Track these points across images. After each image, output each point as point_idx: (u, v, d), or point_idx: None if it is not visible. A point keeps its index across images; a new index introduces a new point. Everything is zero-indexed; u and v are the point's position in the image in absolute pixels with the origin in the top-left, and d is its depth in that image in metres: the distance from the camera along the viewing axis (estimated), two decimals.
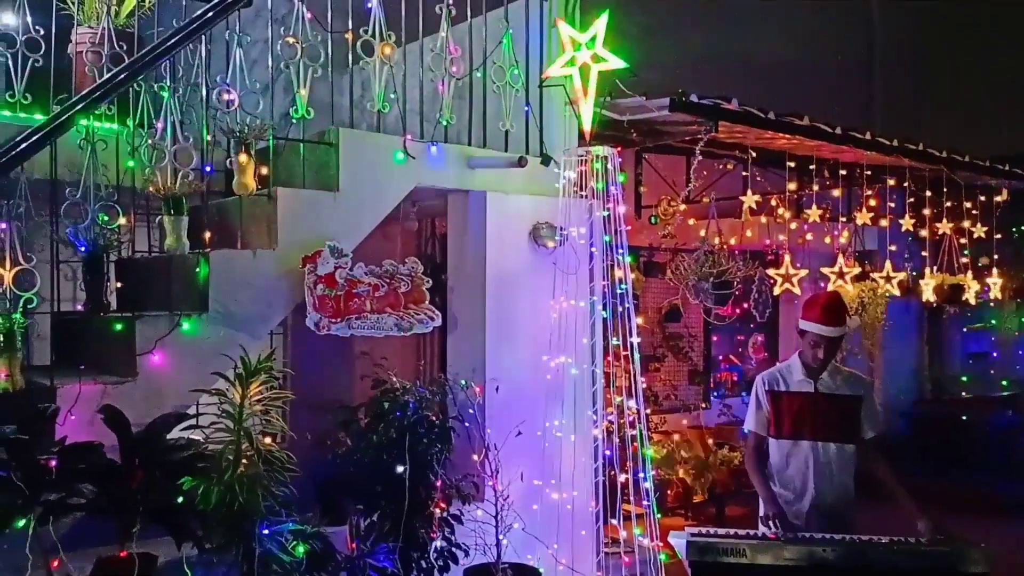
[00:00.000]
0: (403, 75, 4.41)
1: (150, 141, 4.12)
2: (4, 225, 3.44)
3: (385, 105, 4.31)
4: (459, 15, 4.65)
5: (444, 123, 4.53)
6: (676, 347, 8.40)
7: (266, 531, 3.16)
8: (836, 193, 7.64)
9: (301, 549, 3.25)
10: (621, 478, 4.65)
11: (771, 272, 7.01)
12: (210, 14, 3.74)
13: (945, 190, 7.61)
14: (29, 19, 4.01)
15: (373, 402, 4.12)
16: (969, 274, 7.88)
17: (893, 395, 9.46)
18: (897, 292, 7.46)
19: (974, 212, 7.94)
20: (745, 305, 7.34)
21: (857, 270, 7.10)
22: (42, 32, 4.02)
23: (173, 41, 3.68)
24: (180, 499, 3.04)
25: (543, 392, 4.75)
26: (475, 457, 4.32)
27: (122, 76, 3.62)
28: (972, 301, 7.97)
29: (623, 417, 4.72)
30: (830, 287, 6.85)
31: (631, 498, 4.72)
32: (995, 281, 8.10)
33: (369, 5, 4.26)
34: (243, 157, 3.86)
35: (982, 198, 8.10)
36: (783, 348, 9.04)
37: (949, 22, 10.58)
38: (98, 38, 4.24)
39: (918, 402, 10.04)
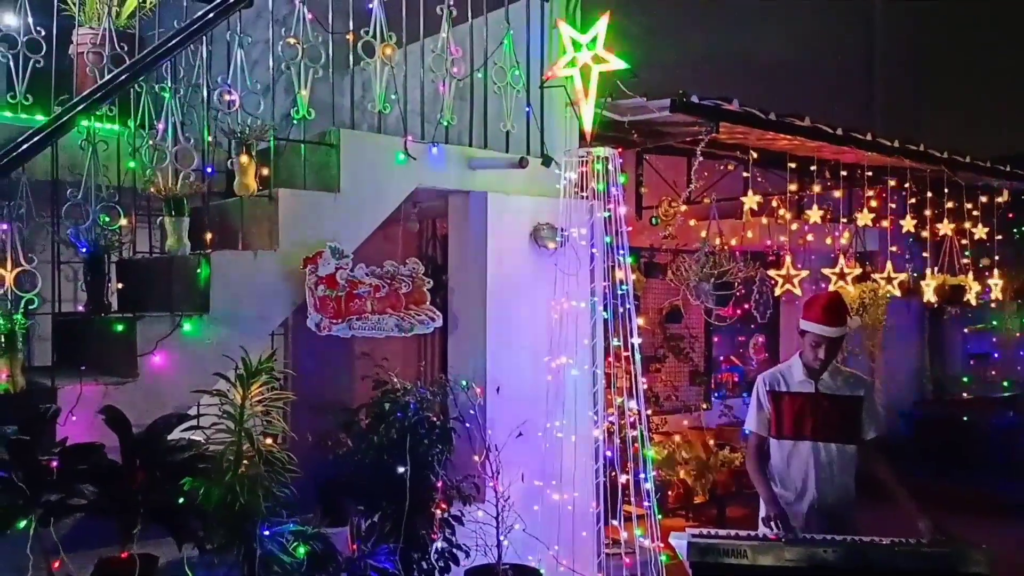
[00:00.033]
0: (404, 76, 4.41)
1: (151, 142, 4.13)
2: (5, 226, 3.44)
3: (386, 106, 4.31)
4: (460, 16, 4.65)
5: (445, 124, 4.53)
6: (677, 348, 8.40)
7: (267, 532, 3.16)
8: (837, 194, 7.64)
9: (302, 550, 3.25)
10: (622, 479, 4.65)
11: (772, 273, 7.01)
12: (211, 15, 3.74)
13: (946, 191, 7.61)
14: (30, 20, 4.01)
15: (374, 403, 4.12)
16: (970, 275, 7.87)
17: (894, 396, 9.46)
18: (898, 293, 7.46)
19: (975, 213, 7.93)
20: (746, 306, 7.33)
21: (858, 271, 7.10)
22: (43, 33, 4.02)
23: (174, 42, 3.69)
24: (181, 500, 3.04)
25: (544, 393, 4.75)
26: (476, 458, 4.32)
27: (123, 77, 3.63)
28: (973, 302, 7.97)
29: (624, 418, 4.72)
30: (831, 288, 6.84)
31: (632, 499, 4.72)
32: (996, 282, 8.09)
33: (370, 6, 4.26)
34: (244, 158, 3.86)
35: (983, 199, 8.10)
36: (784, 349, 9.04)
37: (949, 22, 10.58)
38: (99, 39, 4.24)
39: (919, 403, 10.04)
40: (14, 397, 3.19)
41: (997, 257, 8.31)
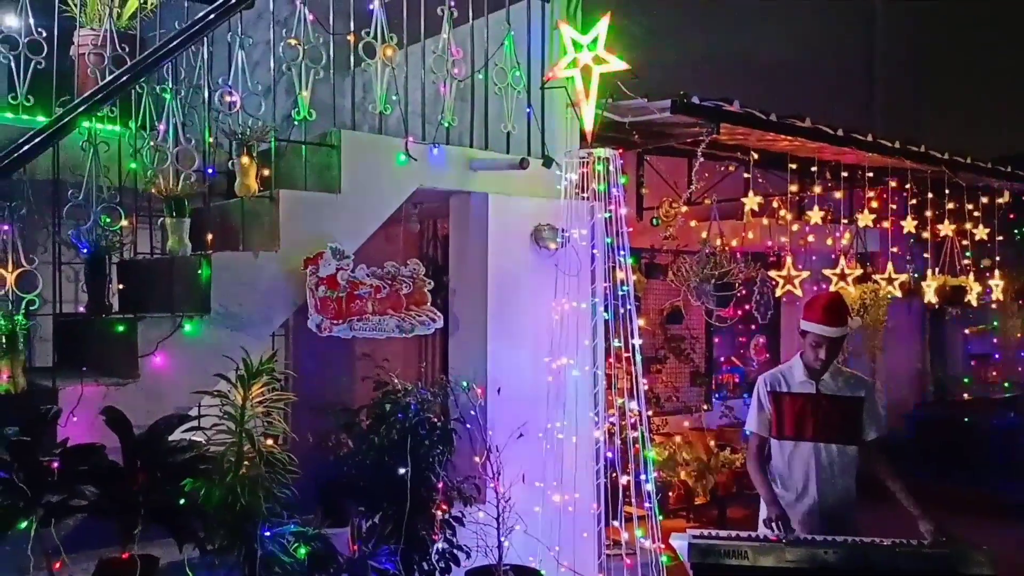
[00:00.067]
0: (405, 77, 4.41)
1: (152, 143, 4.13)
2: (6, 227, 3.44)
3: (387, 107, 4.31)
4: (461, 17, 4.65)
5: (446, 125, 4.53)
6: (678, 349, 8.40)
7: (268, 533, 3.16)
8: (838, 195, 7.64)
9: (303, 551, 3.25)
10: (623, 480, 4.65)
11: (773, 274, 7.01)
12: (212, 16, 3.74)
13: (947, 192, 7.61)
14: (31, 21, 4.01)
15: (375, 404, 4.12)
16: (971, 276, 7.87)
17: (895, 397, 9.45)
18: (899, 294, 7.46)
19: (976, 214, 7.93)
20: (747, 307, 7.33)
21: (859, 272, 7.10)
22: (44, 34, 4.02)
23: (175, 43, 3.69)
24: (182, 500, 3.04)
25: (545, 394, 4.75)
26: (477, 459, 4.32)
27: (124, 78, 3.63)
28: (974, 303, 7.97)
29: (624, 419, 4.71)
30: (832, 289, 6.84)
31: (633, 500, 4.72)
32: (997, 283, 8.09)
33: (371, 7, 4.26)
34: (245, 159, 3.87)
35: (984, 200, 8.10)
36: (785, 350, 9.04)
37: (950, 22, 10.58)
38: (100, 40, 4.24)
39: (920, 404, 10.04)
40: (15, 398, 3.20)
41: (998, 258, 8.31)
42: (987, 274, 8.15)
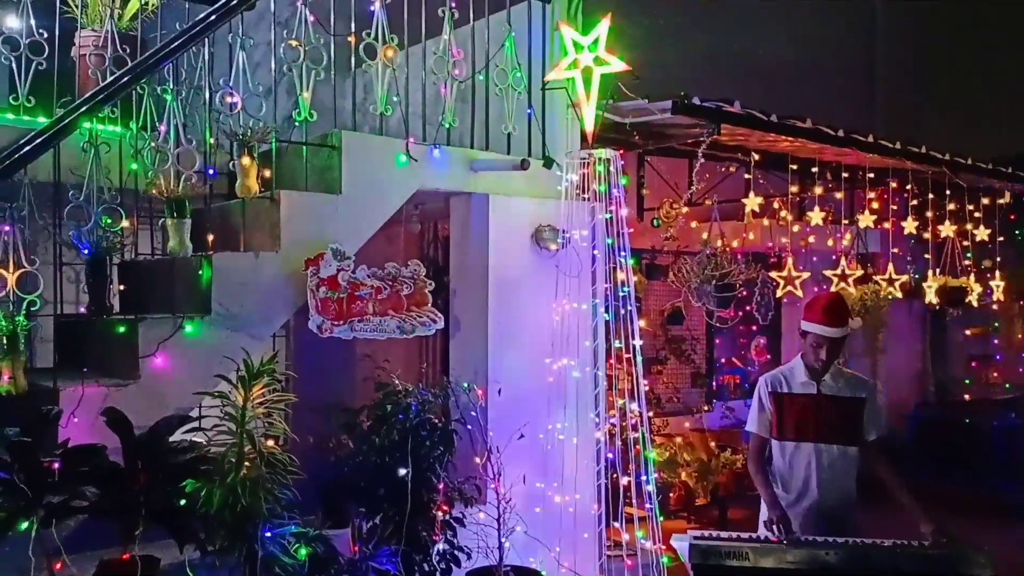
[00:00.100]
0: (406, 78, 4.41)
1: (153, 144, 4.13)
2: (7, 228, 3.44)
3: (388, 108, 4.32)
4: (461, 18, 4.66)
5: (446, 126, 4.54)
6: (678, 350, 8.40)
7: (268, 534, 3.16)
8: (838, 196, 7.64)
9: (303, 552, 3.25)
10: (623, 481, 4.65)
11: (773, 275, 7.01)
12: (213, 17, 3.74)
13: (947, 193, 7.61)
14: (33, 22, 4.01)
15: (375, 404, 4.12)
16: (972, 277, 7.87)
17: (896, 397, 9.45)
18: (899, 295, 7.46)
19: (977, 215, 7.93)
20: (747, 308, 7.33)
21: (859, 273, 7.10)
22: (45, 35, 4.02)
23: (176, 44, 3.69)
24: (182, 501, 3.04)
25: (545, 395, 4.75)
26: (477, 460, 4.32)
27: (125, 79, 3.63)
28: (975, 304, 7.97)
29: (625, 420, 4.71)
30: (832, 289, 6.84)
31: (633, 501, 4.72)
32: (998, 284, 8.09)
33: (372, 8, 4.26)
34: (246, 160, 3.87)
35: (985, 201, 8.10)
36: (786, 350, 9.04)
37: (951, 23, 10.58)
38: (101, 41, 4.24)
39: (921, 404, 10.03)
40: (16, 399, 3.20)
41: (999, 259, 8.31)
42: (988, 275, 8.15)
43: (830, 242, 7.92)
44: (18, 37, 3.99)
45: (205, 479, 3.07)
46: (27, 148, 3.31)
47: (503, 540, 4.24)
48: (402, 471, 3.90)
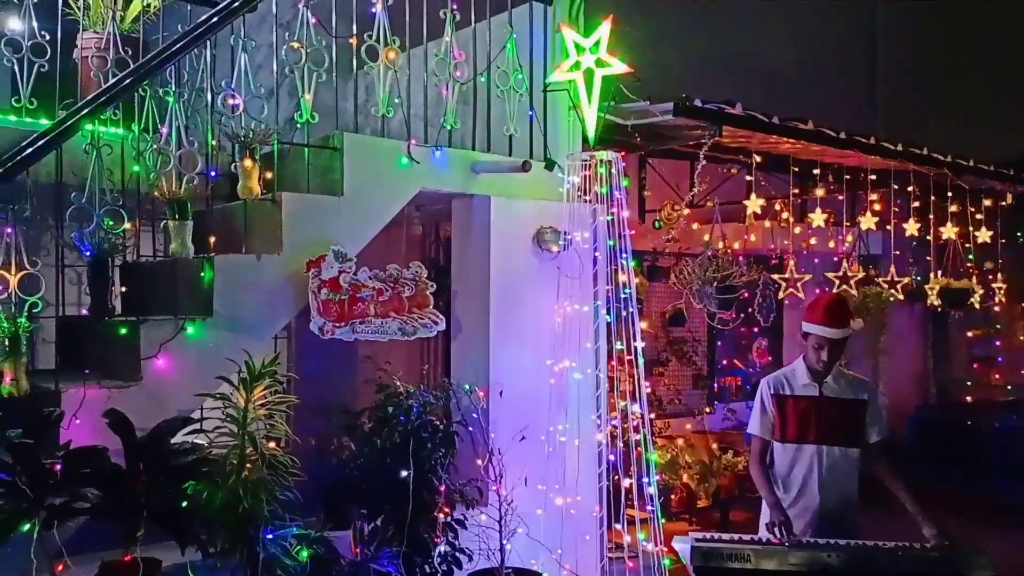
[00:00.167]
0: (407, 80, 4.42)
1: (155, 146, 4.13)
2: (10, 229, 3.44)
3: (389, 110, 4.32)
4: (463, 20, 4.66)
5: (448, 128, 4.54)
6: (680, 351, 8.40)
7: (270, 535, 3.16)
8: (840, 197, 7.64)
9: (305, 554, 3.25)
10: (625, 483, 4.64)
11: (775, 277, 7.01)
12: (215, 19, 3.75)
13: (949, 194, 7.61)
14: (35, 24, 4.02)
15: (377, 406, 4.12)
16: (974, 279, 7.86)
17: (897, 399, 9.44)
18: (901, 296, 7.45)
19: (978, 217, 7.93)
20: (749, 310, 7.33)
21: (861, 275, 7.09)
22: (48, 37, 4.03)
23: (178, 46, 3.69)
24: (184, 503, 3.04)
25: (547, 396, 4.75)
26: (479, 462, 4.32)
27: (127, 81, 3.63)
28: (977, 306, 7.96)
29: (627, 422, 4.71)
30: (834, 291, 6.84)
31: (635, 503, 4.72)
32: (1000, 286, 8.08)
33: (373, 10, 4.27)
34: (248, 162, 3.87)
35: (987, 202, 8.09)
36: (787, 352, 9.04)
37: (953, 24, 10.57)
38: (103, 43, 4.25)
39: (922, 406, 10.02)
40: (18, 400, 3.19)
41: (1001, 261, 8.30)
42: (990, 277, 8.14)
43: (832, 244, 7.92)
44: (20, 39, 4.00)
45: (207, 481, 3.07)
46: (29, 150, 3.31)
47: (504, 542, 4.24)
48: (403, 473, 3.90)
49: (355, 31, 4.24)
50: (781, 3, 9.13)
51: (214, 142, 4.02)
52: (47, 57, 4.02)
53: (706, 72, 8.15)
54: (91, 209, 3.86)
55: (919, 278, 7.99)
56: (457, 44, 4.57)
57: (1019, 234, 9.17)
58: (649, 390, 4.84)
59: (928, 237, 7.63)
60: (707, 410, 8.51)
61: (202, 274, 3.69)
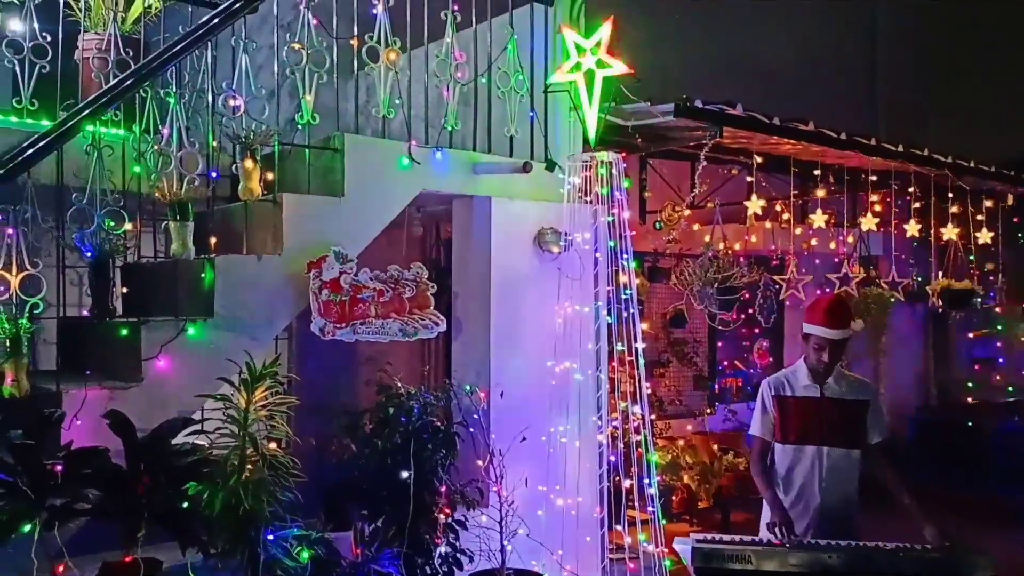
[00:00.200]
0: (408, 81, 4.42)
1: (156, 147, 4.13)
2: (11, 231, 3.45)
3: (390, 111, 4.32)
4: (464, 21, 4.66)
5: (449, 129, 4.54)
6: (681, 352, 8.39)
7: (271, 536, 3.16)
8: (841, 198, 7.64)
9: (306, 554, 3.25)
10: (626, 484, 4.65)
11: (776, 277, 7.00)
12: (216, 20, 3.75)
13: (950, 195, 7.61)
14: (36, 25, 4.02)
15: (377, 407, 4.13)
16: (975, 280, 7.86)
17: (898, 400, 9.44)
18: (902, 297, 7.45)
19: (979, 218, 7.92)
20: (750, 310, 7.33)
21: (862, 276, 7.09)
22: (49, 38, 4.03)
23: (179, 47, 3.69)
24: (185, 504, 3.04)
25: (548, 397, 4.75)
26: (480, 463, 4.32)
27: (128, 82, 3.63)
28: (978, 307, 7.96)
29: (628, 423, 4.71)
30: (835, 292, 6.84)
31: (636, 504, 4.72)
32: (1001, 287, 8.08)
33: (374, 11, 4.27)
34: (249, 163, 3.87)
35: (988, 203, 8.09)
36: (788, 353, 9.03)
37: (953, 25, 10.57)
38: (104, 44, 4.25)
39: (923, 407, 10.02)
40: (19, 401, 3.20)
41: (1002, 262, 8.30)
42: (991, 278, 8.14)
43: (832, 245, 7.91)
44: (22, 40, 4.00)
45: (207, 482, 3.08)
46: (30, 151, 3.32)
47: (505, 543, 4.24)
48: (404, 474, 3.90)
49: (356, 32, 4.24)
50: (781, 4, 9.13)
51: (215, 143, 4.02)
52: (48, 58, 4.02)
53: (706, 73, 8.15)
54: (92, 210, 3.86)
55: (920, 279, 7.98)
56: (458, 45, 4.57)
57: (1020, 235, 9.17)
58: (650, 391, 4.84)
59: (929, 238, 7.63)
60: (708, 411, 8.51)
61: (203, 275, 3.69)
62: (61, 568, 3.03)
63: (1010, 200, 8.36)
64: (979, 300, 7.80)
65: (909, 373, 10.05)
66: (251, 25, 4.07)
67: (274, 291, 3.87)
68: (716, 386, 8.85)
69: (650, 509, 4.66)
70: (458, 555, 4.12)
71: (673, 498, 7.25)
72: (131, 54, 4.18)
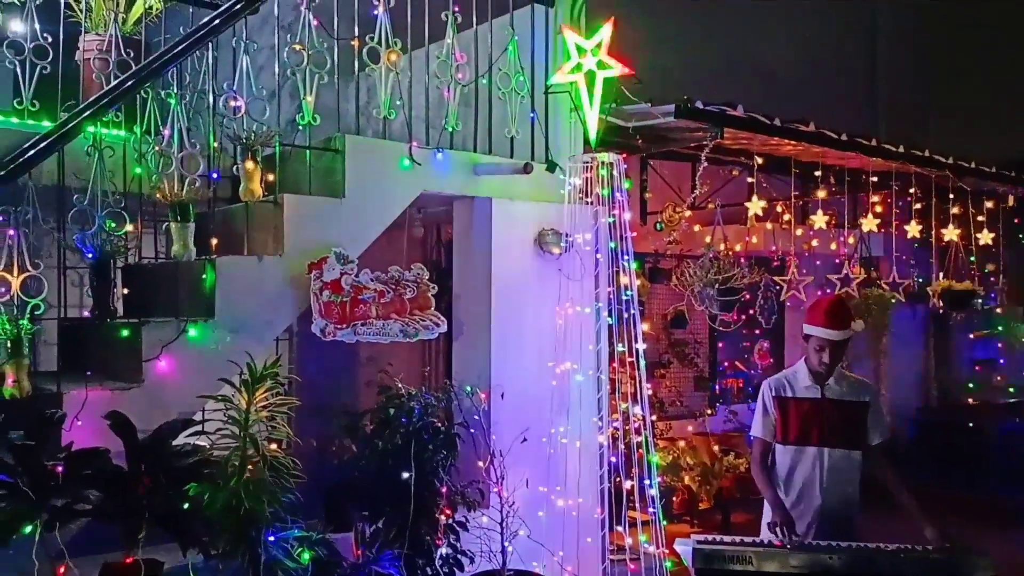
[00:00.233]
0: (409, 82, 4.42)
1: (157, 148, 4.14)
2: (12, 232, 3.45)
3: (391, 112, 4.32)
4: (465, 22, 4.66)
5: (450, 130, 4.54)
6: (682, 353, 8.39)
7: (271, 537, 3.16)
8: (842, 199, 7.64)
9: (306, 555, 3.25)
10: (626, 485, 4.64)
11: (776, 278, 7.00)
12: (217, 21, 3.75)
13: (951, 196, 7.61)
14: (37, 26, 4.02)
15: (378, 408, 4.12)
16: (976, 281, 7.86)
17: (899, 401, 9.43)
18: (903, 298, 7.44)
19: (980, 219, 7.92)
20: (751, 311, 7.33)
21: (863, 276, 7.08)
22: (50, 39, 4.04)
23: (180, 48, 3.69)
24: (186, 505, 3.04)
25: (548, 398, 4.75)
26: (480, 464, 4.32)
27: (129, 83, 3.64)
28: (979, 308, 7.96)
29: (628, 424, 4.71)
30: (835, 293, 6.84)
31: (637, 505, 4.71)
32: (1002, 288, 8.08)
33: (375, 12, 4.27)
34: (250, 164, 3.87)
35: (989, 204, 8.09)
36: (789, 354, 9.03)
37: (954, 26, 10.57)
38: (105, 45, 4.26)
39: (924, 408, 10.01)
40: (20, 402, 3.20)
41: (1003, 263, 8.30)
42: (992, 279, 8.14)
43: (833, 246, 7.91)
44: (23, 41, 4.00)
45: (208, 483, 3.08)
46: (31, 152, 3.32)
47: (506, 544, 4.24)
48: (405, 475, 3.90)
49: (357, 33, 4.25)
50: (781, 4, 9.14)
51: (216, 144, 4.02)
52: (49, 59, 4.02)
53: (707, 73, 8.15)
54: (93, 211, 3.87)
55: (920, 280, 7.98)
56: (459, 46, 4.57)
57: (1021, 236, 9.16)
58: (650, 392, 4.84)
59: (930, 239, 7.63)
60: (708, 412, 8.51)
61: (204, 276, 3.69)
62: (62, 569, 3.03)
63: (1011, 201, 8.36)
64: (980, 301, 7.79)
65: (910, 374, 10.04)
66: (252, 26, 4.08)
67: (275, 292, 3.87)
68: (717, 387, 8.85)
69: (651, 510, 4.66)
70: (459, 556, 4.11)
71: (674, 499, 7.25)
72: (132, 55, 4.19)
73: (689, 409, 8.38)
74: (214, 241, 3.95)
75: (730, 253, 6.83)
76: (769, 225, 7.53)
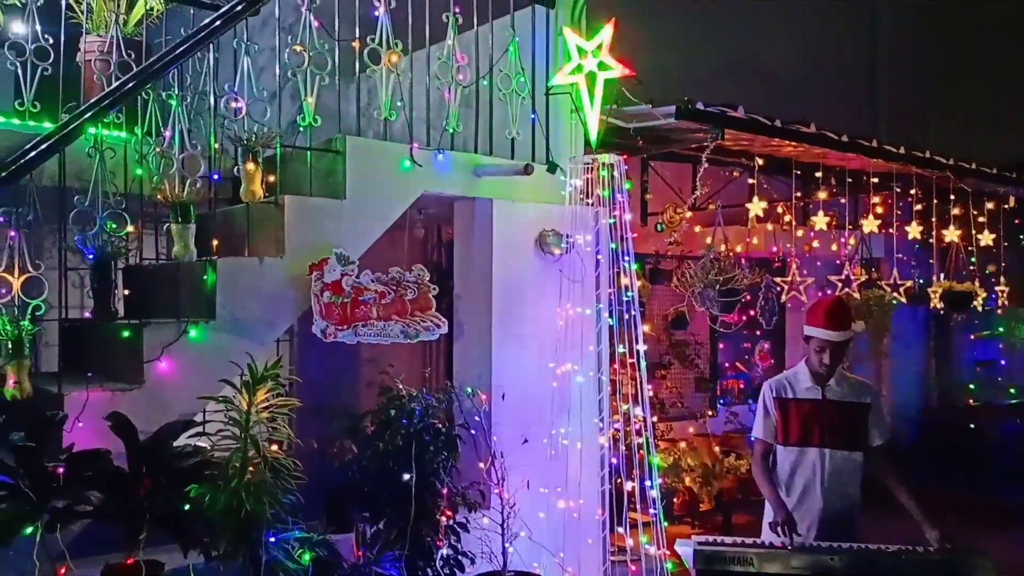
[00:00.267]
0: (410, 83, 4.42)
1: (158, 149, 4.14)
2: (13, 233, 3.45)
3: (392, 113, 4.32)
4: (465, 23, 4.66)
5: (450, 131, 4.54)
6: (682, 354, 8.39)
7: (272, 538, 3.17)
8: (843, 200, 7.64)
9: (307, 556, 3.25)
10: (627, 486, 4.64)
11: (777, 279, 7.00)
12: (218, 23, 3.75)
13: (952, 197, 7.60)
14: (38, 27, 4.02)
15: (379, 409, 4.12)
16: (976, 282, 7.86)
17: (900, 402, 9.43)
18: (904, 300, 7.44)
19: (981, 220, 7.92)
20: (751, 312, 7.33)
21: (864, 278, 7.09)
22: (51, 40, 4.04)
23: (181, 49, 3.70)
24: (187, 506, 3.04)
25: (549, 400, 4.75)
26: (481, 465, 4.32)
27: (130, 84, 3.64)
28: (979, 309, 7.96)
29: (629, 425, 4.71)
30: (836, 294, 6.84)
31: (637, 506, 4.71)
32: (1002, 289, 8.08)
33: (376, 13, 4.27)
34: (250, 165, 3.88)
35: (990, 205, 8.09)
36: (789, 355, 9.03)
37: (954, 27, 10.57)
38: (107, 46, 4.25)
39: (925, 410, 10.02)
40: (21, 403, 3.20)
41: (1003, 264, 8.30)
42: (993, 280, 8.14)
43: (834, 247, 7.91)
44: (24, 42, 4.00)
45: (209, 484, 3.08)
46: (32, 153, 3.32)
47: (507, 545, 4.24)
48: (406, 476, 3.90)
49: (358, 34, 4.25)
50: (781, 4, 9.14)
51: (217, 145, 4.02)
52: (50, 60, 4.02)
53: (707, 74, 8.16)
54: (94, 212, 3.87)
55: (921, 281, 7.98)
56: (459, 47, 4.57)
57: (1021, 237, 9.16)
58: (651, 393, 4.84)
59: (931, 240, 7.63)
60: (709, 413, 8.50)
61: (204, 277, 3.70)
62: (63, 570, 3.03)
63: (1011, 202, 8.36)
64: (980, 302, 7.79)
65: (911, 375, 10.04)
66: (253, 27, 4.07)
67: (276, 293, 3.87)
68: (717, 388, 8.84)
69: (652, 511, 4.66)
70: (459, 557, 4.11)
71: (675, 500, 7.25)
72: (133, 56, 4.19)
73: (690, 410, 8.37)
74: (215, 242, 3.96)
75: (731, 254, 6.83)
76: (770, 226, 7.53)
